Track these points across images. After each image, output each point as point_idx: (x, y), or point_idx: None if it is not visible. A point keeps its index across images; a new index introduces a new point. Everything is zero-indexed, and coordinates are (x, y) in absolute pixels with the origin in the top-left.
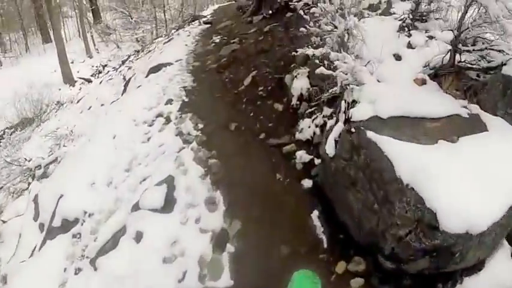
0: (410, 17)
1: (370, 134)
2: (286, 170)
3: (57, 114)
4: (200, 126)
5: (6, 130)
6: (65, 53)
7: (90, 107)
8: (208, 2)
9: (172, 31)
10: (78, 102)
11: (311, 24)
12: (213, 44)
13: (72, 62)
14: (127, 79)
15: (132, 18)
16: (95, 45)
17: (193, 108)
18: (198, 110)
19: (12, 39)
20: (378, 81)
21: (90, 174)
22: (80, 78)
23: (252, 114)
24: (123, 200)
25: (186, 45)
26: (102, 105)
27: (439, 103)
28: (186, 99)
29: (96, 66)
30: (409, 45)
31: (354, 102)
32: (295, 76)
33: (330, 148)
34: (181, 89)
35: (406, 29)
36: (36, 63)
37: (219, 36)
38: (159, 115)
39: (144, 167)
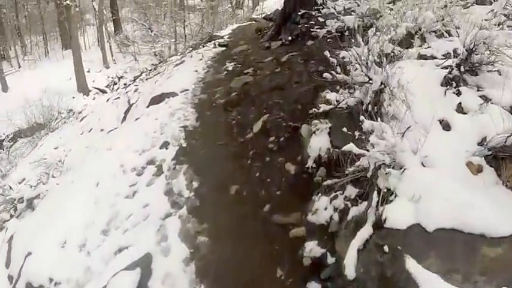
0: (459, 67)
1: (410, 265)
2: (291, 265)
3: (61, 129)
4: (195, 184)
5: (4, 143)
6: (81, 61)
7: (90, 130)
8: (227, 21)
9: (187, 51)
10: (81, 120)
11: (334, 59)
12: (225, 73)
13: (89, 71)
14: (130, 103)
15: (152, 31)
16: (112, 55)
17: (191, 158)
18: (195, 160)
19: (34, 42)
20: (423, 164)
21: (63, 231)
22: (95, 88)
23: (257, 174)
24: (94, 271)
25: (196, 71)
26: (101, 130)
27: (500, 209)
28: (184, 144)
29: (112, 78)
30: (459, 109)
31: (390, 192)
32: (314, 131)
33: (349, 266)
34: (181, 129)
35: (454, 83)
36: (54, 69)
37: (232, 63)
38: (151, 162)
39: (122, 234)
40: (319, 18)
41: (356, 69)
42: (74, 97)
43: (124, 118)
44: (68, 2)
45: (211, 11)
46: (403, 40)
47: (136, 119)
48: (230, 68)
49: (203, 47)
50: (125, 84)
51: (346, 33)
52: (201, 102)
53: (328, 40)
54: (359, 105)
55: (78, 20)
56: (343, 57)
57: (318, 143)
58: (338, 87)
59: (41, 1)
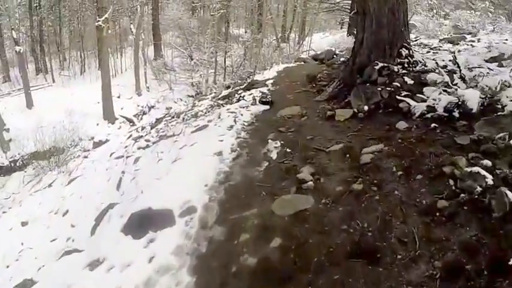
0: None
1: None
2: None
3: (54, 181)
4: None
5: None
6: (110, 88)
7: (66, 212)
8: (272, 58)
9: (217, 103)
10: (69, 183)
11: None
12: (265, 167)
13: (119, 97)
14: (119, 181)
15: (191, 59)
16: (146, 82)
17: None
18: None
19: (74, 58)
20: None
21: None
22: (122, 116)
23: None
24: None
25: (220, 153)
26: (72, 226)
27: None
28: None
29: (142, 107)
30: None
31: None
32: None
33: None
34: None
35: None
36: (85, 89)
37: (278, 144)
38: None
39: None
40: (406, 78)
41: None
42: (98, 124)
43: (93, 230)
44: (100, 23)
45: (254, 45)
46: None
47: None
48: (274, 156)
49: (239, 99)
50: (137, 132)
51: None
52: (212, 253)
53: (434, 126)
54: None
55: (112, 43)
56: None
57: None
58: None
59: (83, 16)
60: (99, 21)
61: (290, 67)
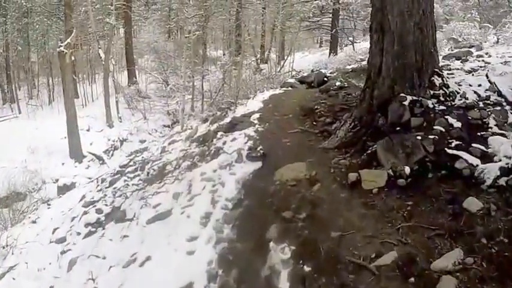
0: None
1: None
2: None
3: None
4: None
5: None
6: (76, 121)
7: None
8: (254, 84)
9: (189, 156)
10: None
11: None
12: None
13: (88, 130)
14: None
15: (167, 85)
16: (118, 112)
17: None
18: None
19: (44, 85)
20: None
21: None
22: (90, 153)
23: None
24: None
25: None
26: None
27: None
28: None
29: (113, 141)
30: None
31: None
32: None
33: None
34: None
35: None
36: (52, 121)
37: (287, 253)
38: None
39: None
40: (450, 119)
41: None
42: (63, 163)
43: None
44: (62, 48)
45: (234, 67)
46: None
47: None
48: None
49: (219, 150)
50: (90, 193)
51: None
52: None
53: None
54: None
55: (83, 69)
56: None
57: None
58: None
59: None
60: (60, 46)
61: (277, 94)
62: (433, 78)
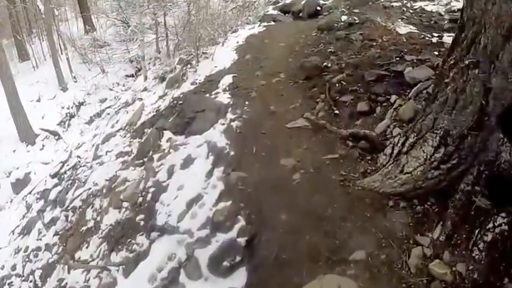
0: None
1: None
2: None
3: None
4: None
5: None
6: (17, 98)
7: None
8: (226, 23)
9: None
10: None
11: None
12: None
13: (39, 100)
14: None
15: (128, 26)
16: (71, 71)
17: None
18: None
19: None
20: None
21: None
22: (43, 130)
23: None
24: None
25: None
26: None
27: None
28: None
29: (68, 108)
30: None
31: None
32: None
33: None
34: None
35: None
36: None
37: None
38: None
39: None
40: None
41: None
42: (14, 150)
43: None
44: None
45: None
46: None
47: None
48: None
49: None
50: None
51: None
52: None
53: None
54: None
55: (18, 29)
56: None
57: None
58: None
59: None
60: None
61: (256, 35)
62: None
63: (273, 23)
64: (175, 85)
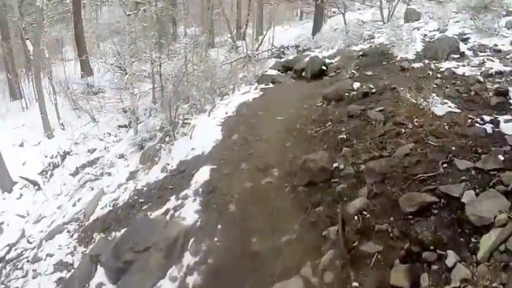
0: None
1: None
2: None
3: None
4: None
5: None
6: None
7: None
8: (214, 86)
9: None
10: None
11: None
12: None
13: (22, 145)
14: None
15: (125, 74)
16: (59, 118)
17: None
18: None
19: None
20: None
21: None
22: (22, 178)
23: None
24: None
25: None
26: None
27: None
28: None
29: (51, 157)
30: None
31: None
32: None
33: None
34: None
35: None
36: None
37: None
38: None
39: None
40: None
41: None
42: None
43: None
44: None
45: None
46: None
47: None
48: None
49: None
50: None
51: None
52: None
53: None
54: None
55: (10, 69)
56: None
57: None
58: None
59: None
60: None
61: (250, 102)
62: None
63: (271, 85)
64: (147, 163)
